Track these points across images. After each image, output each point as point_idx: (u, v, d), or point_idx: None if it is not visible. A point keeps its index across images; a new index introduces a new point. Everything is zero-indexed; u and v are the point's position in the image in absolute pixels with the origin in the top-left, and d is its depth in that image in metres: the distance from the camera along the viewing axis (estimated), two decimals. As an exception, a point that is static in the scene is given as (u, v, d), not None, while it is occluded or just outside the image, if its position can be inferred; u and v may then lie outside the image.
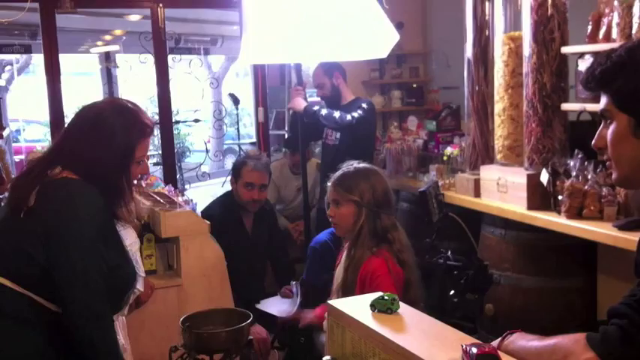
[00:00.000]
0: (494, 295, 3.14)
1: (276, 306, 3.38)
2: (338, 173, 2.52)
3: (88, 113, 2.00)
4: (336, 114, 3.87)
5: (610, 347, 1.09)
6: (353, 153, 3.18)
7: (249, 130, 9.46)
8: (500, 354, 1.24)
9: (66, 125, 2.11)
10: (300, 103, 3.79)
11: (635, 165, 1.24)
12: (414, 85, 5.65)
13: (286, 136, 5.54)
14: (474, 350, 1.22)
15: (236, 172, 3.62)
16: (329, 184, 2.53)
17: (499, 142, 3.39)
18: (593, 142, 1.32)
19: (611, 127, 1.26)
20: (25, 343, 1.83)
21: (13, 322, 1.83)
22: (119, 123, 1.95)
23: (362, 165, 2.55)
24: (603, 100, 1.27)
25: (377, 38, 2.88)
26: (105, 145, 1.93)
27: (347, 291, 2.32)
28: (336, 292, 2.42)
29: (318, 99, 4.36)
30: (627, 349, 1.08)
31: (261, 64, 5.17)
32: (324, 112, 3.88)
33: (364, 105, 4.01)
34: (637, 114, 1.21)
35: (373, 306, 1.56)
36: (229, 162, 8.34)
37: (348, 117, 3.87)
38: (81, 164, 1.92)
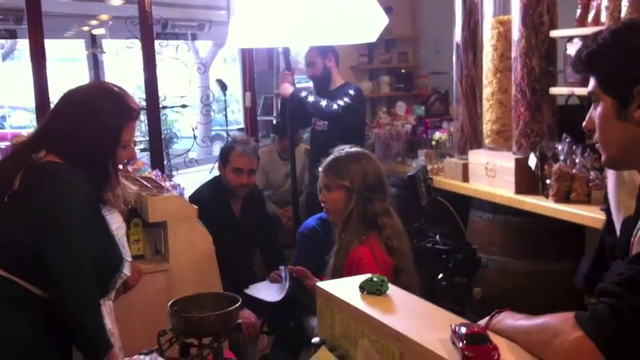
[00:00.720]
0: (483, 278, 3.15)
1: (265, 291, 3.38)
2: (329, 158, 2.51)
3: (74, 96, 1.99)
4: (323, 102, 3.81)
5: (600, 326, 1.09)
6: (342, 139, 3.15)
7: (237, 117, 9.42)
8: (489, 333, 1.24)
9: (51, 109, 2.09)
10: (287, 89, 3.75)
11: (621, 147, 1.25)
12: (403, 71, 5.63)
13: (274, 121, 5.51)
14: (463, 330, 1.22)
15: (224, 157, 3.59)
16: (320, 169, 2.52)
17: (487, 127, 3.39)
18: (583, 124, 1.33)
19: (598, 110, 1.27)
20: (14, 326, 1.82)
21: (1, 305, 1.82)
22: (106, 106, 1.94)
23: (353, 149, 2.53)
24: (591, 82, 1.29)
25: (365, 22, 2.86)
26: (92, 128, 1.92)
27: (336, 275, 2.32)
28: (326, 277, 2.41)
29: (308, 84, 4.32)
30: (617, 327, 1.08)
31: (249, 48, 5.13)
32: (311, 99, 3.81)
33: (351, 92, 3.92)
34: (619, 96, 1.22)
35: (362, 288, 1.56)
36: (217, 148, 8.29)
37: (334, 106, 3.80)
38: (67, 147, 1.90)
